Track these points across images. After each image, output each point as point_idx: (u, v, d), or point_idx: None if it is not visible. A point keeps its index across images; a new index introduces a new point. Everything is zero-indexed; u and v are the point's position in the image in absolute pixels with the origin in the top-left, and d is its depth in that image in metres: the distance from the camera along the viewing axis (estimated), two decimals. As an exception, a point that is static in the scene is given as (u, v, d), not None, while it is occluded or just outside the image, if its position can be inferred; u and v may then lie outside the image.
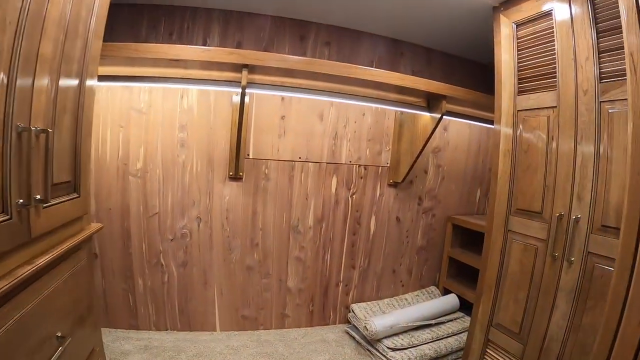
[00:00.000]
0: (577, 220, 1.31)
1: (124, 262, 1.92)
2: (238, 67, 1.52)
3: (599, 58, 1.27)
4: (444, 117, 1.90)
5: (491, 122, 1.78)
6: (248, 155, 1.97)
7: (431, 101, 1.97)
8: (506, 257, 1.60)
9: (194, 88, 1.85)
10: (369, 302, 2.29)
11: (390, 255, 2.37)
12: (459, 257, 2.36)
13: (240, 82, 1.55)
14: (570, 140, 1.35)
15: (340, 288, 2.28)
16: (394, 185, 2.29)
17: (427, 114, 2.00)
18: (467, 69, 2.38)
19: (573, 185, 1.34)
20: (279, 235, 2.10)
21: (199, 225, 1.96)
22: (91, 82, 1.09)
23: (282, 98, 2.00)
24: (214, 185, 1.95)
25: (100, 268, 1.89)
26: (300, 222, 2.13)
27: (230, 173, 1.94)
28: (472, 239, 2.28)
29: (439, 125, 1.94)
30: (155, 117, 1.85)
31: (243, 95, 1.60)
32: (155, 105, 1.84)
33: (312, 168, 2.11)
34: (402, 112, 2.19)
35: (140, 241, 1.92)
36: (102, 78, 1.41)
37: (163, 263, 1.96)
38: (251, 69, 1.54)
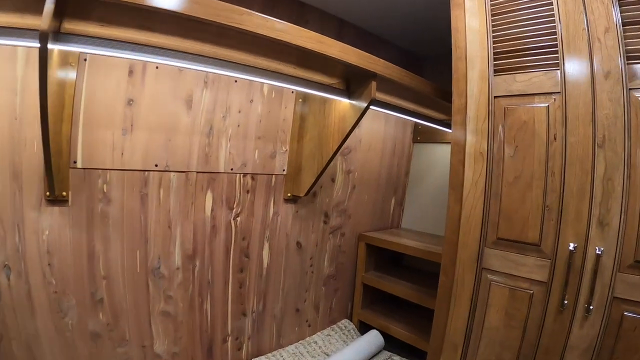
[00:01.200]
0: (598, 255, 1.29)
1: None
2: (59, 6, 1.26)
3: (624, 31, 1.29)
4: (372, 107, 1.92)
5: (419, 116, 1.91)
6: (75, 163, 1.82)
7: (353, 82, 2.01)
8: (480, 306, 1.61)
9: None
10: (269, 355, 2.36)
11: (292, 292, 2.45)
12: (374, 284, 2.55)
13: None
14: (586, 141, 1.35)
15: (229, 343, 2.30)
16: (293, 200, 2.37)
17: (345, 101, 2.04)
18: (390, 54, 2.51)
19: (591, 205, 1.33)
20: (132, 283, 2.02)
21: (8, 279, 1.80)
22: None
23: (130, 71, 1.89)
24: (24, 213, 1.76)
25: None
26: (163, 262, 2.08)
27: (47, 193, 1.79)
28: (390, 260, 2.48)
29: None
30: None
31: (43, 55, 1.23)
32: None
33: (175, 181, 2.07)
34: (304, 100, 2.27)
35: None
36: None
37: None
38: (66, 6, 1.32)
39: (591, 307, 1.32)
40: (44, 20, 1.16)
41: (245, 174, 2.24)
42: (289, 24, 1.57)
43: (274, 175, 2.32)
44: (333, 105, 2.11)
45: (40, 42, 1.19)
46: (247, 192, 2.26)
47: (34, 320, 1.85)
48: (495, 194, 1.61)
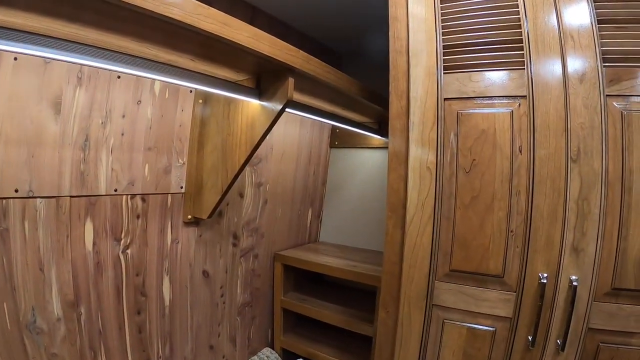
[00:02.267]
0: (573, 284, 1.20)
1: None
2: None
3: (599, 29, 1.20)
4: (287, 109, 1.65)
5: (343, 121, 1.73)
6: None
7: (264, 79, 1.70)
8: (432, 347, 1.44)
9: None
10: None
11: (202, 328, 2.19)
12: (296, 309, 2.41)
13: None
14: (558, 154, 1.24)
15: (138, 397, 1.91)
16: (196, 222, 2.06)
17: (254, 102, 1.72)
18: (306, 49, 2.35)
19: (564, 230, 1.23)
20: (3, 344, 1.51)
21: None
22: None
23: None
24: None
25: None
26: (39, 314, 1.61)
27: None
28: (310, 278, 2.43)
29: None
30: None
31: None
32: None
33: (43, 209, 1.60)
34: (205, 100, 1.96)
35: None
36: None
37: None
38: None
39: (565, 342, 1.22)
40: None
41: (133, 195, 1.86)
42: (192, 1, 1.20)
43: (169, 195, 1.97)
44: (240, 107, 1.79)
45: None
46: (138, 217, 1.88)
47: None
48: (447, 218, 1.41)
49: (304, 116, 2.14)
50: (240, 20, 1.98)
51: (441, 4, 1.44)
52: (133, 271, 1.89)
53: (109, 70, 1.54)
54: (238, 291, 2.34)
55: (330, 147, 2.91)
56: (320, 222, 2.74)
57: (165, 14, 1.11)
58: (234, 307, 2.34)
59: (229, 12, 1.99)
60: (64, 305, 1.69)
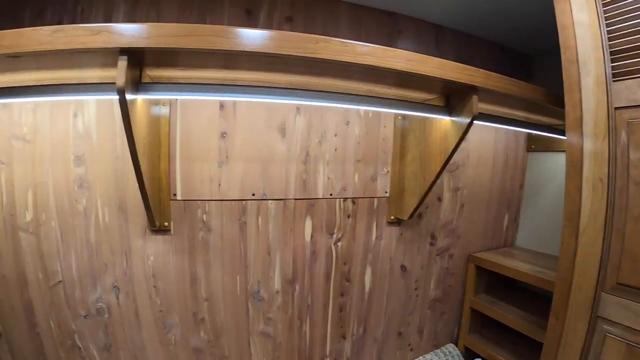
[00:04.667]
0: None
1: (32, 343, 1.88)
2: (132, 60, 1.24)
3: None
4: (475, 121, 1.63)
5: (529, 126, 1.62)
6: (175, 195, 1.89)
7: (452, 97, 1.74)
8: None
9: (91, 98, 1.76)
10: (367, 378, 2.25)
11: (395, 315, 2.32)
12: (483, 309, 2.32)
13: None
14: None
15: (327, 365, 2.25)
16: (397, 222, 2.20)
17: (445, 118, 1.78)
18: (494, 55, 2.26)
19: None
20: (232, 306, 2.04)
21: (117, 298, 1.92)
22: None
23: (221, 105, 1.89)
24: (131, 241, 1.88)
25: (8, 350, 1.88)
26: (263, 287, 2.07)
27: (148, 225, 1.89)
28: (503, 282, 2.24)
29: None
30: (42, 147, 1.78)
31: (123, 108, 1.22)
32: (42, 130, 1.77)
33: (273, 209, 2.03)
34: (404, 117, 2.07)
35: (47, 317, 1.88)
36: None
37: (80, 346, 1.92)
38: (142, 58, 1.31)
39: None
40: (118, 75, 1.15)
41: (345, 199, 2.12)
42: (372, 45, 1.35)
43: (376, 199, 2.17)
44: (433, 122, 1.87)
45: (118, 95, 1.18)
46: (348, 216, 2.14)
47: (140, 334, 1.98)
48: (617, 230, 1.29)
49: (492, 126, 2.09)
50: (426, 38, 2.04)
51: (603, 7, 1.28)
52: (341, 260, 2.17)
53: (318, 105, 1.83)
54: (431, 286, 2.38)
55: (527, 150, 2.62)
56: (517, 227, 2.55)
57: (360, 63, 1.30)
58: (425, 301, 2.39)
59: (416, 34, 2.17)
60: (283, 281, 2.10)
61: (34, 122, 1.77)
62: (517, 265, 2.21)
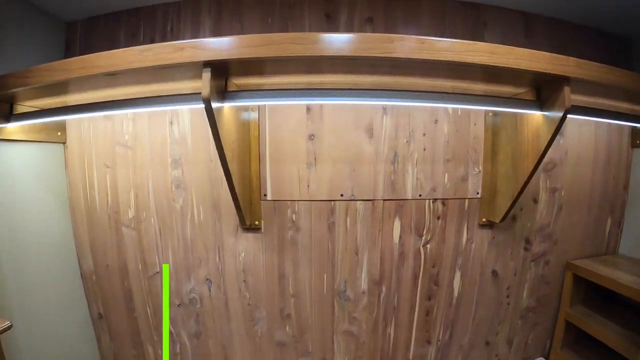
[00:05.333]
0: None
1: (130, 326, 2.09)
2: (216, 71, 1.30)
3: None
4: (569, 115, 1.47)
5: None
6: (265, 196, 1.94)
7: (543, 90, 1.59)
8: None
9: (183, 108, 1.88)
10: (452, 386, 2.18)
11: (483, 323, 2.23)
12: (580, 324, 2.12)
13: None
14: None
15: (410, 369, 2.21)
16: (489, 225, 2.10)
17: (537, 113, 1.62)
18: (589, 41, 2.08)
19: None
20: (319, 303, 2.07)
21: (209, 290, 2.01)
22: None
23: (308, 108, 1.91)
24: (224, 238, 1.97)
25: (107, 330, 2.10)
26: (349, 286, 2.06)
27: (240, 224, 1.96)
28: (603, 294, 2.10)
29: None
30: (142, 152, 1.92)
31: (210, 116, 1.33)
32: (142, 137, 1.92)
33: (361, 209, 2.01)
34: (494, 113, 1.96)
35: (144, 304, 2.05)
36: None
37: (173, 331, 2.07)
38: (225, 68, 1.35)
39: None
40: (203, 86, 1.23)
41: (435, 200, 2.05)
42: (451, 40, 1.27)
43: (466, 200, 2.07)
44: (525, 118, 1.72)
45: (204, 104, 1.26)
46: (438, 218, 2.07)
47: (229, 325, 2.08)
48: None
49: (592, 120, 1.91)
50: (514, 27, 1.92)
51: None
52: (430, 263, 2.11)
53: (404, 105, 1.76)
54: (524, 295, 2.24)
55: (632, 146, 2.31)
56: (621, 232, 2.32)
57: (438, 59, 1.24)
58: (517, 310, 2.26)
59: (502, 24, 2.08)
60: (369, 282, 2.08)
61: (135, 130, 1.93)
62: (618, 276, 2.02)
